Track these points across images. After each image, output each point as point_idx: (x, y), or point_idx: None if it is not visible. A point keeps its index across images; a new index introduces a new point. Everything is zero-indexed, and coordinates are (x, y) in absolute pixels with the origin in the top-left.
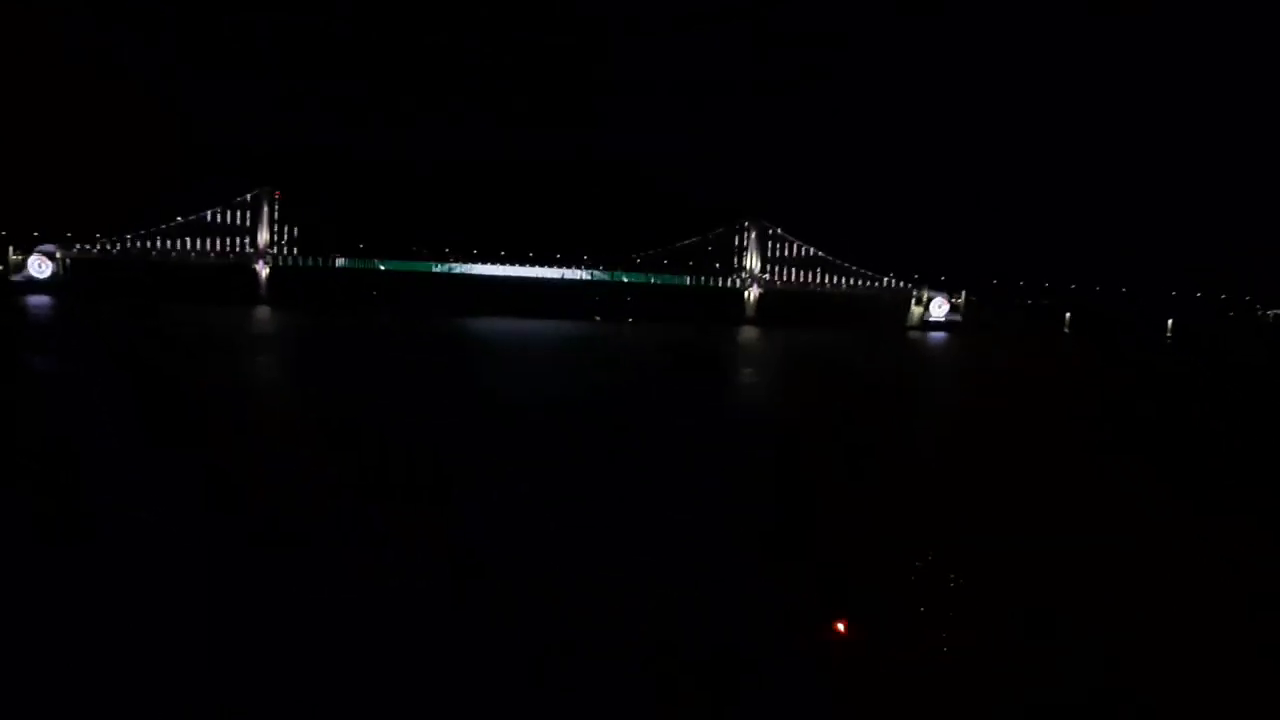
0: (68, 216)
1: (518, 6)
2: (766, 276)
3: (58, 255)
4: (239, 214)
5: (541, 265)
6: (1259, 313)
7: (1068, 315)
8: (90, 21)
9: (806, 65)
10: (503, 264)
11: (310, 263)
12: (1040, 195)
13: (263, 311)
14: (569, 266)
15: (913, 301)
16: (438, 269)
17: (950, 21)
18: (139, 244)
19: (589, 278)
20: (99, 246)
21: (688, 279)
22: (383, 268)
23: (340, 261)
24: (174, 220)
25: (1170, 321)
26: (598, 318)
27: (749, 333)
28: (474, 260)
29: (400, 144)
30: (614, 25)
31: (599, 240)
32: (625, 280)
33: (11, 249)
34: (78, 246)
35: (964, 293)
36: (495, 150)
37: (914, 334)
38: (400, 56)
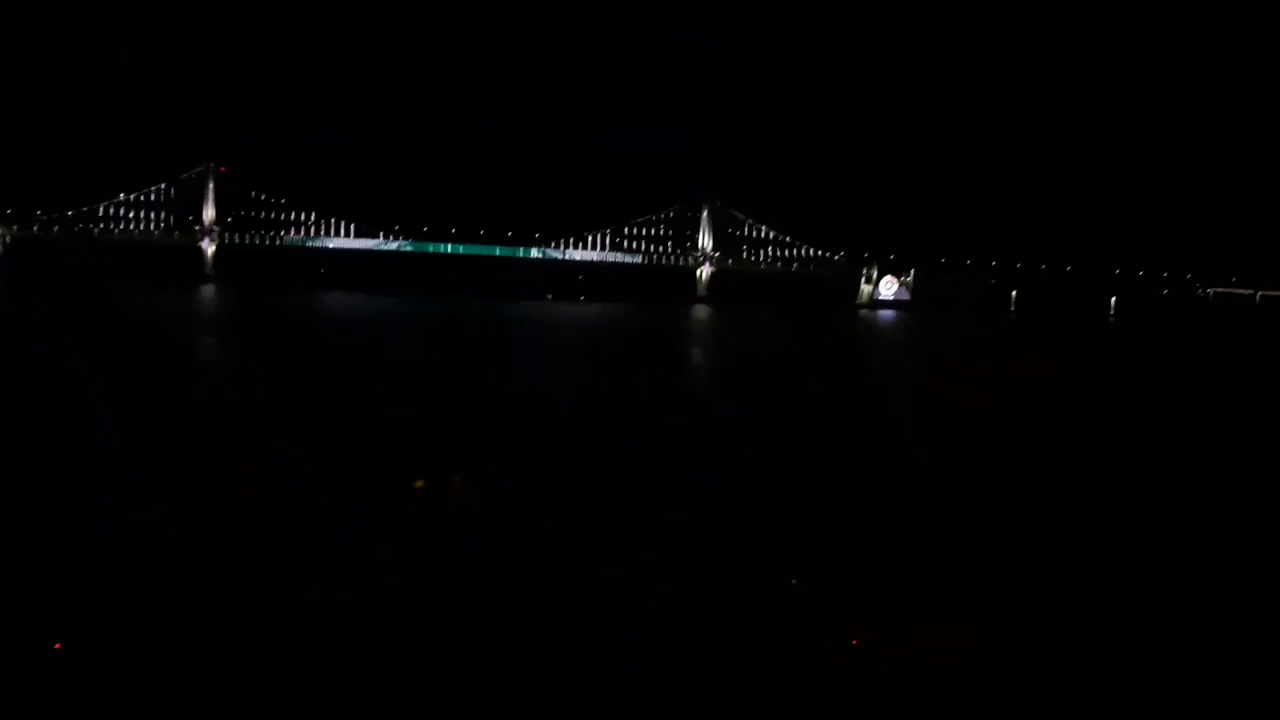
0: (7, 195)
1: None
2: (718, 255)
3: None
4: (183, 191)
5: (493, 243)
6: (1199, 291)
7: (1014, 294)
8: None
9: (757, 48)
10: (454, 242)
11: (256, 240)
12: (989, 175)
13: (208, 290)
14: (522, 245)
15: (862, 280)
16: (386, 247)
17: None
18: (82, 223)
19: (540, 256)
20: (39, 225)
21: (640, 258)
22: (331, 245)
23: (288, 238)
24: (116, 197)
25: (1114, 300)
26: (549, 296)
27: (700, 312)
28: (424, 238)
29: (378, 138)
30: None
31: (552, 219)
32: (577, 259)
33: None
34: (16, 226)
35: (913, 271)
36: (475, 144)
37: (864, 312)
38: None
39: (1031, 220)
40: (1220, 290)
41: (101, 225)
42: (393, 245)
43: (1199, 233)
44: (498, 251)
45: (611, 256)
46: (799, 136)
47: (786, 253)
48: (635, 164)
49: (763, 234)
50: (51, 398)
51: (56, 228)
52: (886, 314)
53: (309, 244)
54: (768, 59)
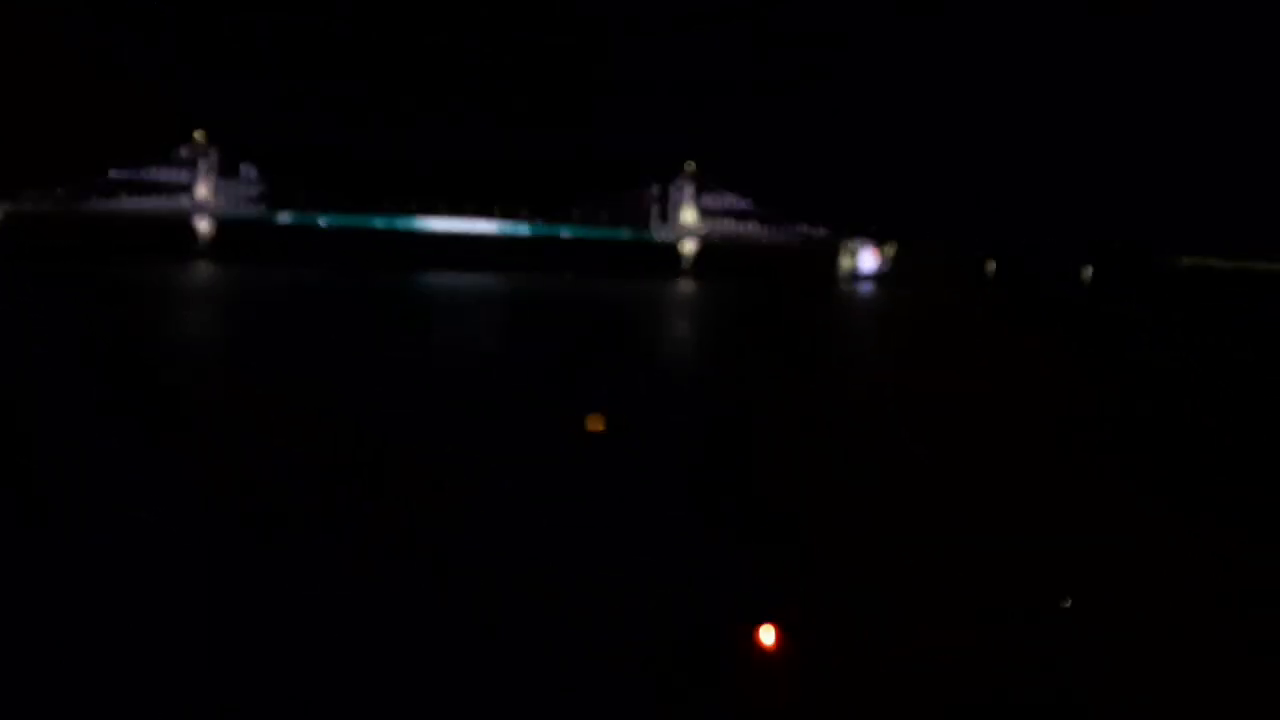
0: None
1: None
2: (701, 229)
3: None
4: (178, 167)
5: (481, 218)
6: (1175, 261)
7: (990, 265)
8: None
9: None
10: (445, 217)
11: (253, 217)
12: (968, 146)
13: (204, 268)
14: (512, 219)
15: (841, 253)
16: (379, 223)
17: None
18: (75, 199)
19: (527, 232)
20: (32, 200)
21: (622, 232)
22: (323, 223)
23: (283, 217)
24: (108, 174)
25: (1089, 270)
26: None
27: (683, 286)
28: (415, 213)
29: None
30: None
31: (537, 193)
32: (561, 235)
33: None
34: (9, 202)
35: (896, 244)
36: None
37: (844, 286)
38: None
39: (1009, 189)
40: (1196, 261)
41: (95, 200)
42: (384, 222)
43: (1180, 203)
44: (491, 228)
45: (595, 233)
46: (782, 111)
47: (769, 227)
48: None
49: (746, 207)
50: (54, 386)
51: (49, 203)
52: (866, 287)
53: (307, 221)
54: (741, 26)
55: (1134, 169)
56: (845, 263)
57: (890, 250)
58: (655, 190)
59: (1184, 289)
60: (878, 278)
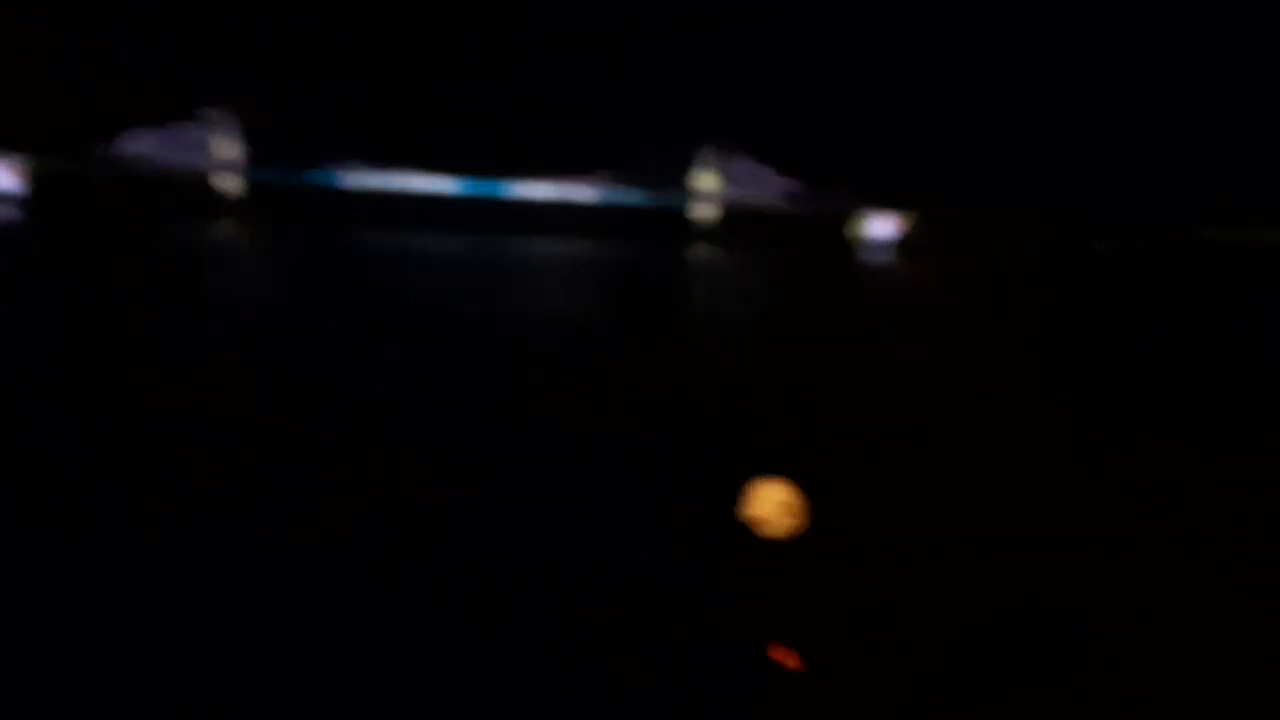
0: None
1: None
2: (716, 192)
3: (21, 166)
4: (209, 125)
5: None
6: (1199, 230)
7: (1033, 234)
8: None
9: None
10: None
11: (282, 177)
12: (1002, 106)
13: (232, 227)
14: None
15: (856, 218)
16: (398, 183)
17: None
18: (105, 157)
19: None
20: (64, 157)
21: (637, 197)
22: (350, 182)
23: (316, 176)
24: (139, 130)
25: (1107, 245)
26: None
27: (699, 254)
28: (428, 170)
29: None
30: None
31: (559, 154)
32: (573, 197)
33: None
34: (46, 157)
35: (915, 212)
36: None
37: (860, 254)
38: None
39: (1047, 156)
40: (1221, 231)
41: (123, 158)
42: (423, 183)
43: (1214, 169)
44: (500, 191)
45: (611, 196)
46: (798, 66)
47: (789, 190)
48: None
49: (765, 172)
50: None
51: (82, 160)
52: (885, 256)
53: (334, 182)
54: None
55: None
56: (861, 227)
57: (913, 217)
58: (674, 155)
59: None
60: (898, 243)
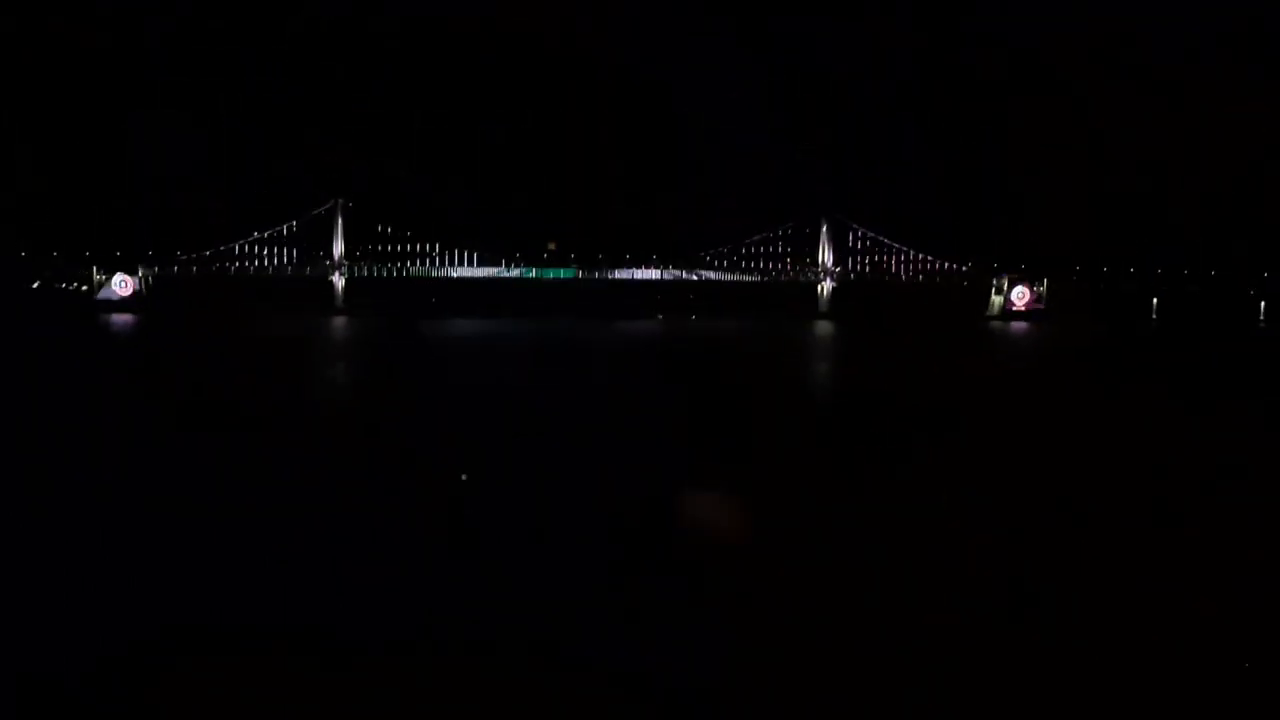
0: (150, 235)
1: None
2: (839, 269)
3: (140, 274)
4: (313, 227)
5: (613, 267)
6: None
7: (1155, 301)
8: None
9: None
10: (565, 266)
11: (383, 272)
12: (1123, 174)
13: (340, 321)
14: (637, 266)
15: (992, 290)
16: (504, 274)
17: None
18: (217, 262)
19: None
20: (178, 265)
21: (758, 276)
22: (455, 274)
23: (413, 270)
24: (250, 236)
25: (1263, 305)
26: (660, 316)
27: (824, 327)
28: (534, 264)
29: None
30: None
31: (665, 239)
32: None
33: (95, 268)
34: (157, 267)
35: (1045, 280)
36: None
37: (995, 324)
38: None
39: (1170, 222)
40: None
41: (236, 263)
42: (514, 272)
43: None
44: (616, 274)
45: (727, 276)
46: (917, 142)
47: (911, 264)
48: (751, 188)
49: (884, 243)
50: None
51: (194, 268)
52: (1019, 325)
53: (432, 274)
54: (873, 66)
55: None
56: (996, 299)
57: (1043, 286)
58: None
59: None
60: (1033, 314)
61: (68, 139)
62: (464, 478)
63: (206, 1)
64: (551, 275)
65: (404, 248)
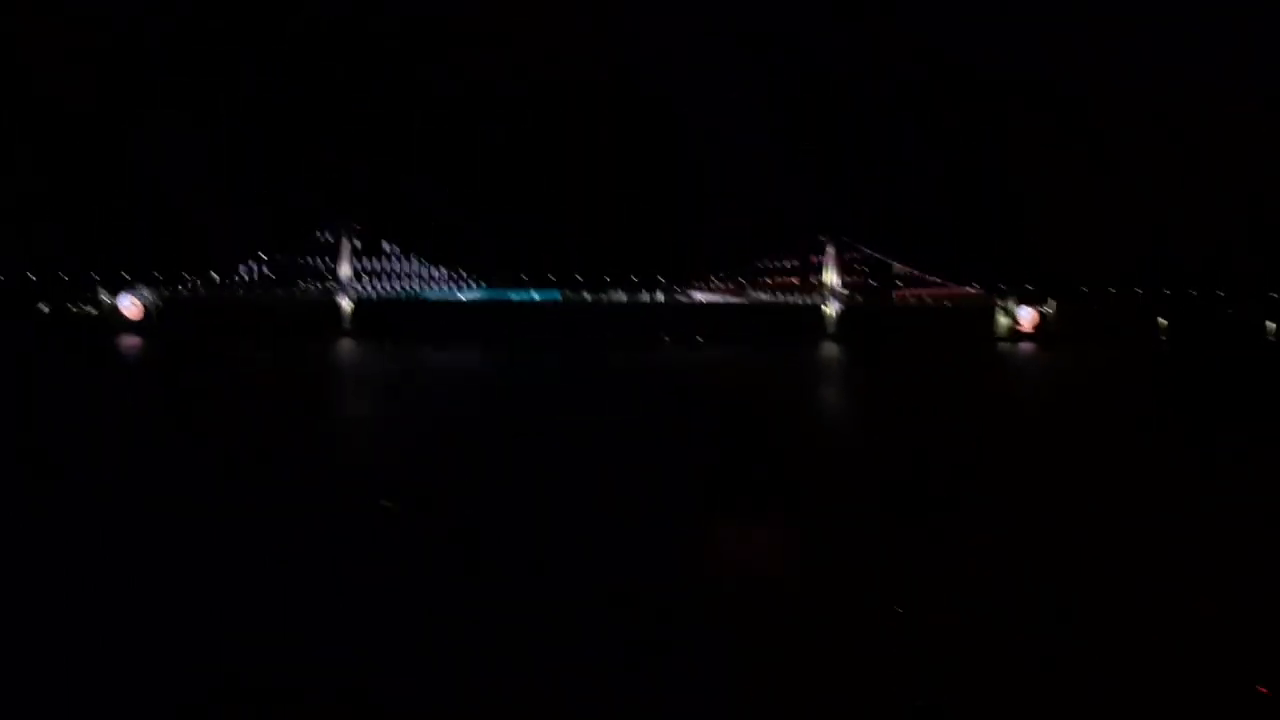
0: (155, 256)
1: None
2: (845, 292)
3: (147, 296)
4: (320, 249)
5: (614, 290)
6: None
7: (1162, 321)
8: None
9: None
10: (574, 289)
11: (392, 295)
12: (1128, 195)
13: (348, 344)
14: (638, 290)
15: (998, 313)
16: (513, 297)
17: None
18: (224, 283)
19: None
20: (185, 286)
21: (763, 297)
22: (464, 298)
23: (425, 293)
24: (256, 256)
25: (1273, 325)
26: (666, 338)
27: (830, 350)
28: (545, 286)
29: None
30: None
31: (670, 262)
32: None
33: (103, 290)
34: (166, 290)
35: (1053, 302)
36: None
37: (1003, 346)
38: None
39: (1178, 241)
40: None
41: (242, 285)
42: (522, 295)
43: None
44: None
45: (731, 299)
46: (923, 164)
47: (917, 285)
48: (756, 211)
49: (889, 266)
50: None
51: (201, 289)
52: (1027, 347)
53: (442, 298)
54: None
55: None
56: (1003, 321)
57: (1050, 307)
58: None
59: None
60: (1038, 335)
61: (70, 156)
62: (385, 504)
63: (207, 4)
64: (548, 297)
65: (410, 267)
